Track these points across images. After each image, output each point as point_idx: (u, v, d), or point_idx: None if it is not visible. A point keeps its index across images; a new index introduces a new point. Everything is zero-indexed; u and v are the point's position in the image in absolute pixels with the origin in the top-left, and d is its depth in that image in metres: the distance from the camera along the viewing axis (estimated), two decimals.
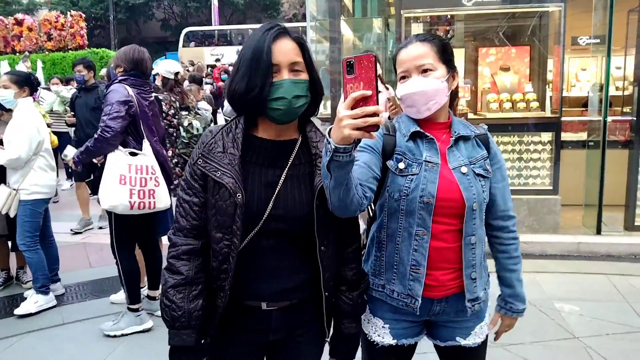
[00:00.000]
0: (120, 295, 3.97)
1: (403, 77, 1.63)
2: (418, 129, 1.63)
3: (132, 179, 3.28)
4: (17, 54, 14.34)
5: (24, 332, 3.63)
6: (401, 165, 1.60)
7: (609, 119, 5.15)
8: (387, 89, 4.54)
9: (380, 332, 1.70)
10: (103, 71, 7.76)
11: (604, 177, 5.00)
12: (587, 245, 4.85)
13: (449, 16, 6.33)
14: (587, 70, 7.56)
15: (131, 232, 3.53)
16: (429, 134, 1.63)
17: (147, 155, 3.39)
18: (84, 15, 14.86)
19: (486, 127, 1.77)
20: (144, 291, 3.90)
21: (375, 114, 1.19)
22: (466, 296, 1.62)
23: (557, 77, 5.15)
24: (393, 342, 1.69)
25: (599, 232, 5.04)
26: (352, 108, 1.20)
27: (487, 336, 1.76)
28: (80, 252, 5.31)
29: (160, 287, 1.55)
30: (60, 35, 14.24)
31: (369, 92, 1.20)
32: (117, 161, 3.31)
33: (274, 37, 1.43)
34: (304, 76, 1.46)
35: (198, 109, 5.27)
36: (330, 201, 1.38)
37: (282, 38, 1.44)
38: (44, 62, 13.22)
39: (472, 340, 1.70)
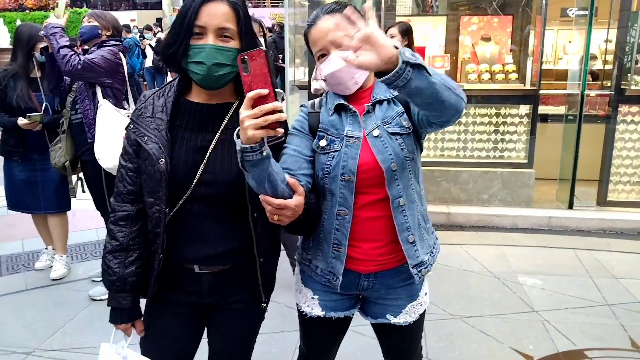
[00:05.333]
0: (100, 290, 3.64)
1: (322, 56, 1.54)
2: (342, 101, 1.56)
3: None
4: None
5: None
6: (322, 143, 1.54)
7: (589, 92, 5.07)
8: None
9: (309, 303, 1.68)
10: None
11: (578, 151, 4.95)
12: (559, 220, 4.84)
13: None
14: (573, 42, 7.42)
15: None
16: (352, 107, 1.56)
17: None
18: None
19: None
20: None
21: (273, 111, 1.16)
22: (409, 263, 1.55)
23: (538, 49, 5.04)
24: (322, 313, 1.67)
25: (571, 206, 5.02)
26: (253, 107, 1.17)
27: (421, 315, 1.71)
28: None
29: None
30: None
31: (265, 91, 1.16)
32: (121, 122, 3.21)
33: None
34: (233, 44, 1.39)
35: None
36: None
37: (215, 1, 1.37)
38: (24, 22, 12.83)
39: (402, 319, 1.66)
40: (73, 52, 3.12)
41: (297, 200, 1.34)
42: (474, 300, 3.44)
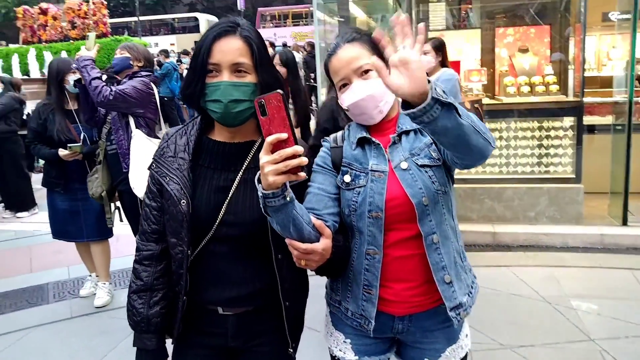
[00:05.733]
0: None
1: (343, 86, 1.47)
2: (365, 134, 1.49)
3: None
4: (44, 43, 14.58)
5: (32, 325, 3.68)
6: (347, 179, 1.47)
7: (638, 99, 4.82)
8: None
9: (341, 347, 1.59)
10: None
11: (629, 163, 4.70)
12: (612, 237, 4.58)
13: None
14: (617, 47, 7.11)
15: None
16: (375, 140, 1.48)
17: None
18: (105, 3, 14.95)
19: None
20: None
21: (294, 156, 1.12)
22: (446, 305, 1.45)
23: (579, 58, 4.83)
24: (355, 358, 1.57)
25: (625, 222, 4.75)
26: (273, 151, 1.13)
27: (463, 359, 1.59)
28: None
29: None
30: (83, 23, 14.39)
31: (285, 135, 1.12)
32: (154, 152, 3.33)
33: (217, 35, 1.34)
34: (250, 79, 1.36)
35: None
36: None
37: (227, 36, 1.35)
38: (69, 51, 13.39)
39: None
40: (104, 84, 3.18)
41: (325, 243, 1.29)
42: (524, 327, 3.26)
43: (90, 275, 4.20)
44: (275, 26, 27.60)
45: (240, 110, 1.35)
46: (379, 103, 1.44)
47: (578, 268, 4.17)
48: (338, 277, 1.55)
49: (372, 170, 1.45)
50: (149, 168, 1.50)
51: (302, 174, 1.15)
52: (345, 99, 1.46)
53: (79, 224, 3.90)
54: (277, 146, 1.13)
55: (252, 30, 1.39)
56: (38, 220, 6.10)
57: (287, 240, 1.27)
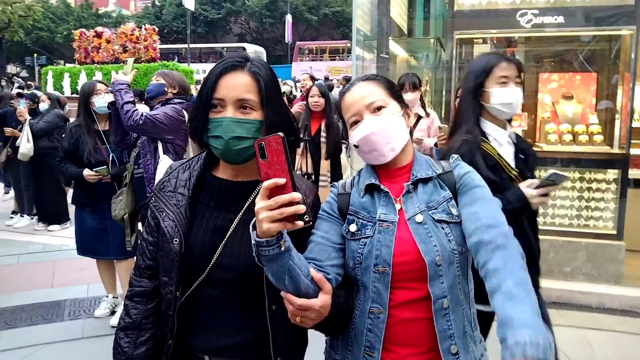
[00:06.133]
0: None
1: (355, 123, 1.40)
2: (373, 181, 1.39)
3: None
4: (96, 64, 15.24)
5: (42, 343, 3.66)
6: (352, 228, 1.36)
7: None
8: (428, 115, 4.26)
9: None
10: None
11: None
12: None
13: (516, 37, 5.91)
14: None
15: None
16: (384, 187, 1.38)
17: None
18: (157, 29, 15.57)
19: (456, 156, 1.45)
20: None
21: (291, 203, 1.05)
22: None
23: (627, 108, 4.60)
24: None
25: None
26: (269, 197, 1.06)
27: None
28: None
29: None
30: (134, 47, 15.00)
31: (283, 180, 1.06)
32: None
33: (223, 69, 1.29)
34: (255, 116, 1.29)
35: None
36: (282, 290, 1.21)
37: (234, 71, 1.29)
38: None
39: None
40: (136, 108, 3.22)
41: (323, 300, 1.19)
42: None
43: (107, 296, 4.18)
44: (312, 60, 28.31)
45: (242, 148, 1.28)
46: (391, 139, 1.36)
47: (614, 333, 3.86)
48: (337, 336, 1.43)
49: (379, 220, 1.34)
50: (149, 201, 1.44)
51: (299, 223, 1.08)
52: (356, 135, 1.39)
53: (107, 242, 3.94)
54: (274, 191, 1.06)
55: (263, 67, 1.33)
56: (67, 234, 6.19)
57: (282, 293, 1.18)
